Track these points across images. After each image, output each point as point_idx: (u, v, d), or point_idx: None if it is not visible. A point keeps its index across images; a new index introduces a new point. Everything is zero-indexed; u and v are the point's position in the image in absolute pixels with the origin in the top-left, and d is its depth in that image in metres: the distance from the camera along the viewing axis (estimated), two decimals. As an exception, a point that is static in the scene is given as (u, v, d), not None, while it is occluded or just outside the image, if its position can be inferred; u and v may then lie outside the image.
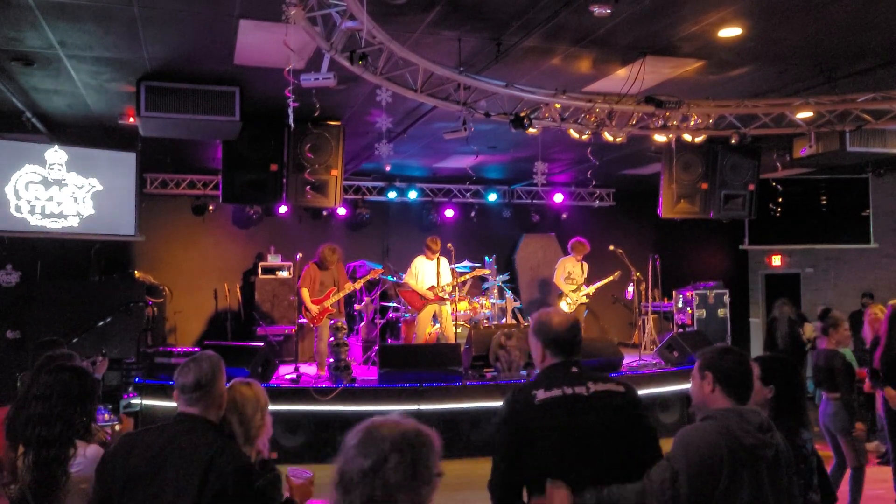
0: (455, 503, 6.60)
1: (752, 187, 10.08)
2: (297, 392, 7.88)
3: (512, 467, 2.69)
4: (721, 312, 12.13)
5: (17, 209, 8.51)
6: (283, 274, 11.52)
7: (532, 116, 7.10)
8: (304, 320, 9.23)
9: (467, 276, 9.99)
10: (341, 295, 8.94)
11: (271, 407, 2.99)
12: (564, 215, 13.74)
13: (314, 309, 8.76)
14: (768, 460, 2.60)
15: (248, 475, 2.58)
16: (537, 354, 2.88)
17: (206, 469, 2.50)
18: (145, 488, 2.55)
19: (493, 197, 13.37)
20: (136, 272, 11.09)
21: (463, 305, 9.98)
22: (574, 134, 7.83)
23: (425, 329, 9.68)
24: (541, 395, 2.69)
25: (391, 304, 10.59)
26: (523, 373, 8.55)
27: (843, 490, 5.76)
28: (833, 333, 5.95)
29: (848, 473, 5.80)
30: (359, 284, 9.38)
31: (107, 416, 5.07)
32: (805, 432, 3.12)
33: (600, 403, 2.69)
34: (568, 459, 2.62)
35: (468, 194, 13.43)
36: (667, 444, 2.71)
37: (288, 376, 8.42)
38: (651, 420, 2.80)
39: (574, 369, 2.78)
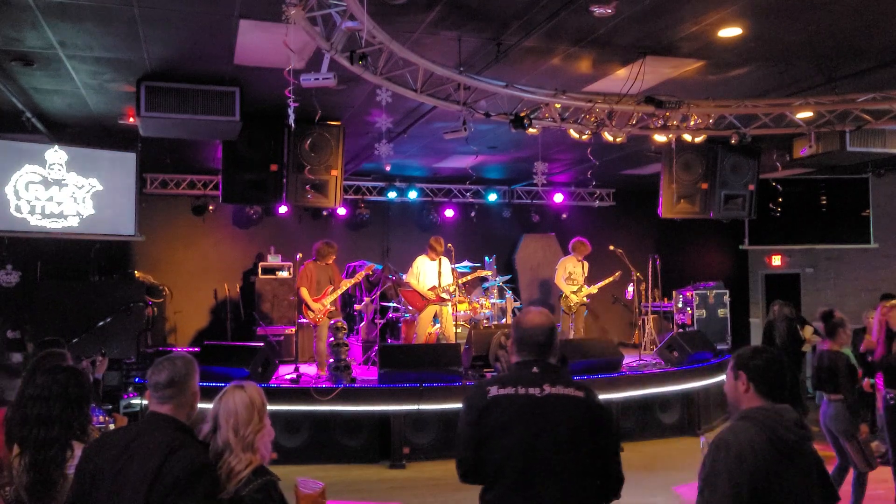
0: (455, 503, 6.61)
1: (752, 187, 10.08)
2: (297, 392, 7.88)
3: (469, 457, 2.77)
4: (721, 312, 12.13)
5: (17, 209, 8.52)
6: (283, 274, 11.52)
7: (532, 116, 7.10)
8: (305, 320, 9.21)
9: (469, 277, 9.99)
10: (339, 292, 8.91)
11: (271, 407, 2.87)
12: (564, 215, 13.73)
13: (316, 307, 8.67)
14: (807, 454, 2.66)
15: (202, 475, 2.54)
16: (510, 349, 2.94)
17: (161, 464, 2.49)
18: (110, 485, 2.56)
19: (493, 197, 13.37)
20: (136, 272, 11.09)
21: (463, 305, 9.99)
22: (574, 134, 7.83)
23: (426, 329, 9.68)
24: (493, 391, 2.74)
25: (391, 304, 10.59)
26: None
27: (844, 490, 5.76)
28: (841, 335, 5.92)
29: (851, 475, 5.78)
30: (359, 277, 9.36)
31: (102, 419, 5.06)
32: None
33: (551, 406, 2.70)
34: (514, 458, 2.66)
35: (468, 194, 13.43)
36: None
37: (288, 376, 8.42)
38: (614, 427, 2.82)
39: (535, 369, 2.78)
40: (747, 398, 2.73)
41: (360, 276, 9.37)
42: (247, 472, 2.64)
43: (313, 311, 8.68)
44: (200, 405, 2.84)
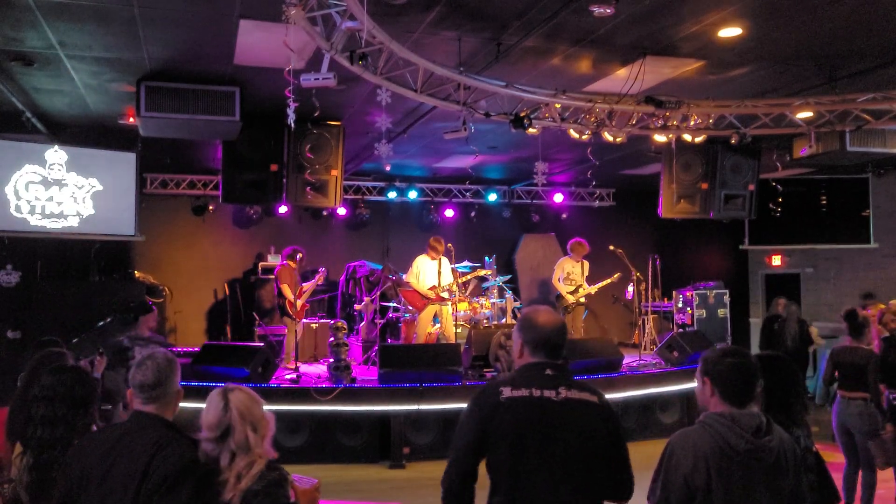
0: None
1: (752, 187, 10.09)
2: (297, 392, 7.87)
3: (468, 459, 2.62)
4: (721, 312, 12.12)
5: (17, 209, 8.51)
6: (283, 274, 11.53)
7: (532, 116, 7.10)
8: (283, 328, 9.74)
9: (469, 277, 9.99)
10: (307, 294, 9.69)
11: (272, 407, 2.86)
12: (564, 215, 13.74)
13: (299, 304, 9.28)
14: (767, 465, 2.59)
15: (191, 471, 2.52)
16: (516, 350, 2.78)
17: (149, 462, 2.49)
18: (98, 485, 2.55)
19: (493, 197, 13.37)
20: (136, 272, 11.09)
21: (463, 305, 9.98)
22: (574, 134, 7.83)
23: (426, 329, 9.68)
24: (507, 392, 2.60)
25: (391, 304, 10.59)
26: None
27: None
28: (867, 333, 5.82)
29: (861, 475, 5.67)
30: (320, 280, 9.96)
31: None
32: (797, 430, 3.11)
33: (568, 411, 2.60)
34: (526, 462, 2.54)
35: (468, 194, 13.43)
36: (662, 445, 2.74)
37: (288, 376, 8.42)
38: (623, 434, 2.70)
39: (549, 371, 2.66)
40: (713, 403, 2.71)
41: (320, 278, 9.96)
42: (259, 469, 2.58)
43: (296, 307, 9.26)
44: (194, 404, 2.82)
